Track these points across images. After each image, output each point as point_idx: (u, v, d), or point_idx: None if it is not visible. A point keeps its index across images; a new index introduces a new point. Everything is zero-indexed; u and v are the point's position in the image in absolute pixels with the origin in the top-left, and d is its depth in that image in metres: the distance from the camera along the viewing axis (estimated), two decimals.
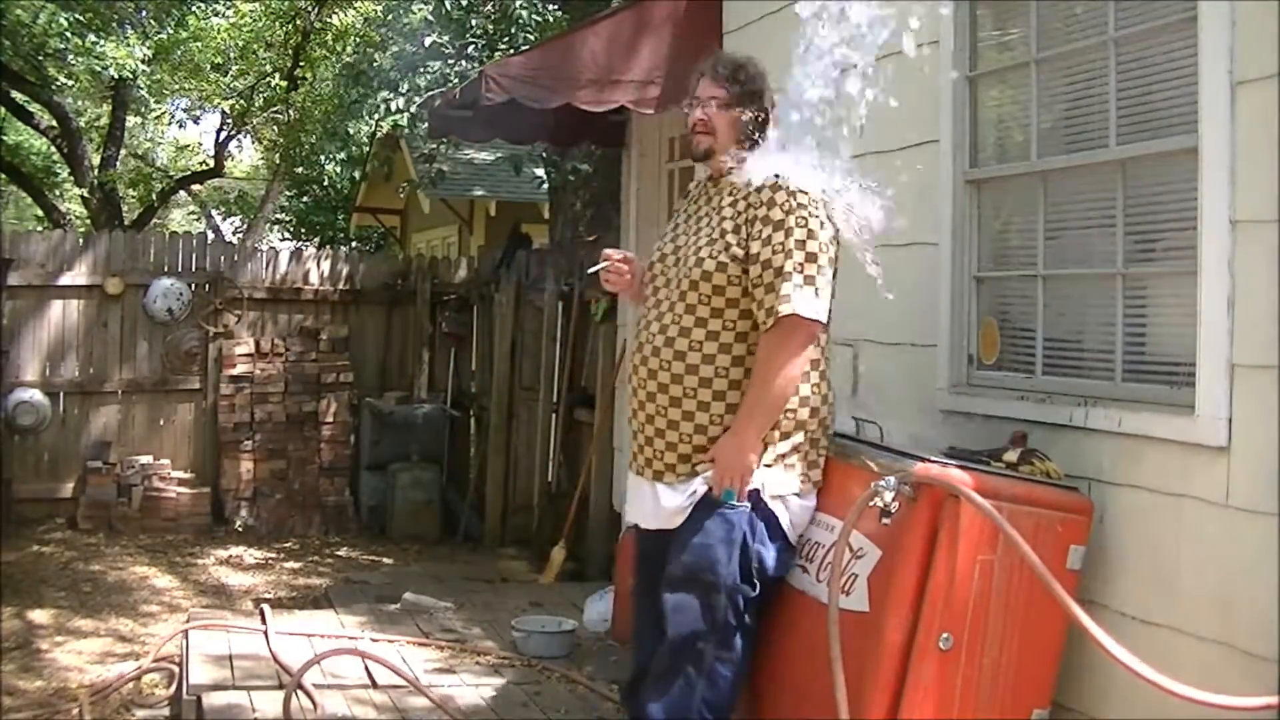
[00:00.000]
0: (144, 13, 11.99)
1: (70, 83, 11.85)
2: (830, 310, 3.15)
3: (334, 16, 12.97)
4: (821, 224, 3.09)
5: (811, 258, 3.04)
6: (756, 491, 3.08)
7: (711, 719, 3.10)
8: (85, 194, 13.20)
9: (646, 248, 3.83)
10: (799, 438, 3.14)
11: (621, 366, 6.74)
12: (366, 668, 4.53)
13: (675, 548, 3.13)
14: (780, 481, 3.12)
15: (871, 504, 2.95)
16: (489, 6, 9.22)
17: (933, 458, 3.07)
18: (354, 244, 17.01)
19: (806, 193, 3.10)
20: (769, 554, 3.11)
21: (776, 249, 3.03)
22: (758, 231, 3.07)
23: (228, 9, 13.22)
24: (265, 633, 4.94)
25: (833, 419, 3.28)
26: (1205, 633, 2.83)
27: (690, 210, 3.35)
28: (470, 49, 9.30)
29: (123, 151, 14.89)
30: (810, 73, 4.73)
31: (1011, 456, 3.16)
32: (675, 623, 3.09)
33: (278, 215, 17.29)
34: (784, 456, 3.12)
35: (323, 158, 13.71)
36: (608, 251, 3.41)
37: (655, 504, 3.20)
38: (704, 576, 3.06)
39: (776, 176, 3.10)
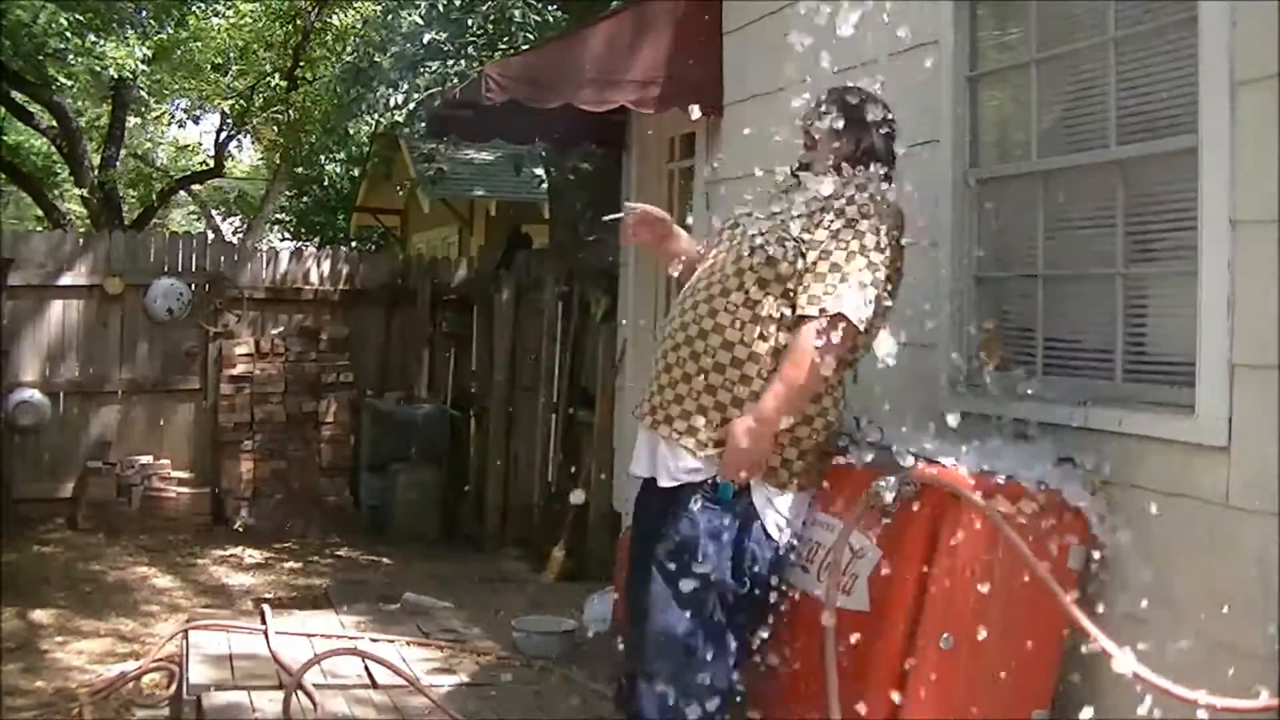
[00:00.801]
0: (144, 13, 11.98)
1: (70, 83, 11.84)
2: (875, 326, 3.14)
3: (334, 16, 12.97)
4: (893, 240, 3.10)
5: (873, 266, 3.02)
6: (752, 487, 3.08)
7: (705, 717, 3.08)
8: (85, 194, 13.20)
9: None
10: (804, 431, 3.13)
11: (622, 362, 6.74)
12: (366, 668, 4.53)
13: (664, 534, 3.11)
14: (780, 479, 3.12)
15: (872, 504, 2.95)
16: (487, 6, 9.21)
17: (932, 458, 3.07)
18: (354, 244, 17.00)
19: (890, 204, 3.13)
20: (763, 551, 3.10)
21: (841, 244, 3.02)
22: (828, 221, 3.06)
23: (228, 9, 13.22)
24: (265, 633, 4.94)
25: (839, 422, 3.28)
26: (1205, 633, 2.83)
27: (773, 195, 3.35)
28: (469, 48, 9.30)
29: (123, 151, 14.89)
30: (810, 73, 4.74)
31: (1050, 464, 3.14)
32: (662, 617, 3.07)
33: (278, 215, 17.29)
34: (783, 449, 3.11)
35: (322, 158, 13.71)
36: (640, 207, 3.47)
37: (651, 455, 3.21)
38: (692, 566, 3.04)
39: (866, 181, 3.15)
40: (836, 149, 3.24)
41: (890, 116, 3.34)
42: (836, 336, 2.98)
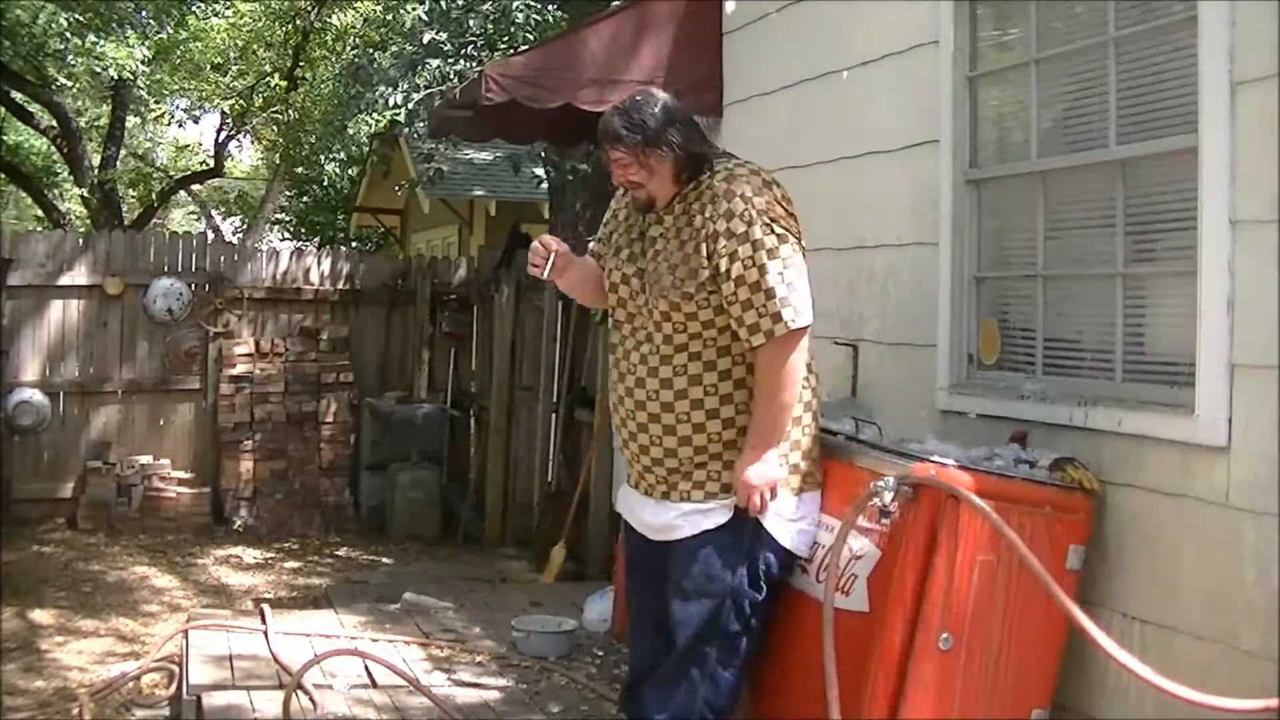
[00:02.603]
0: (144, 13, 11.98)
1: (70, 83, 11.84)
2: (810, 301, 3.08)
3: (334, 16, 12.96)
4: (782, 222, 3.02)
5: (785, 262, 2.97)
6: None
7: (713, 719, 3.10)
8: (85, 194, 13.20)
9: None
10: (798, 434, 3.14)
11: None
12: (366, 668, 4.53)
13: (681, 556, 3.10)
14: (786, 483, 3.12)
15: (871, 504, 2.95)
16: (487, 6, 9.21)
17: (932, 458, 3.07)
18: (354, 244, 17.00)
19: (760, 194, 3.02)
20: (775, 557, 3.12)
21: (747, 264, 2.95)
22: (723, 248, 2.97)
23: (227, 9, 13.22)
24: (265, 633, 4.94)
25: (820, 407, 3.30)
26: (1205, 633, 2.83)
27: (640, 228, 3.19)
28: (469, 48, 9.29)
29: (123, 151, 14.89)
30: (810, 72, 4.75)
31: (1045, 464, 3.14)
32: (684, 633, 3.09)
33: (278, 215, 17.28)
34: (786, 456, 3.11)
35: (322, 158, 13.71)
36: (543, 239, 3.26)
37: (657, 516, 3.17)
38: (711, 586, 3.06)
39: (727, 184, 3.03)
40: (675, 172, 3.07)
41: (674, 102, 3.15)
42: (792, 349, 2.99)
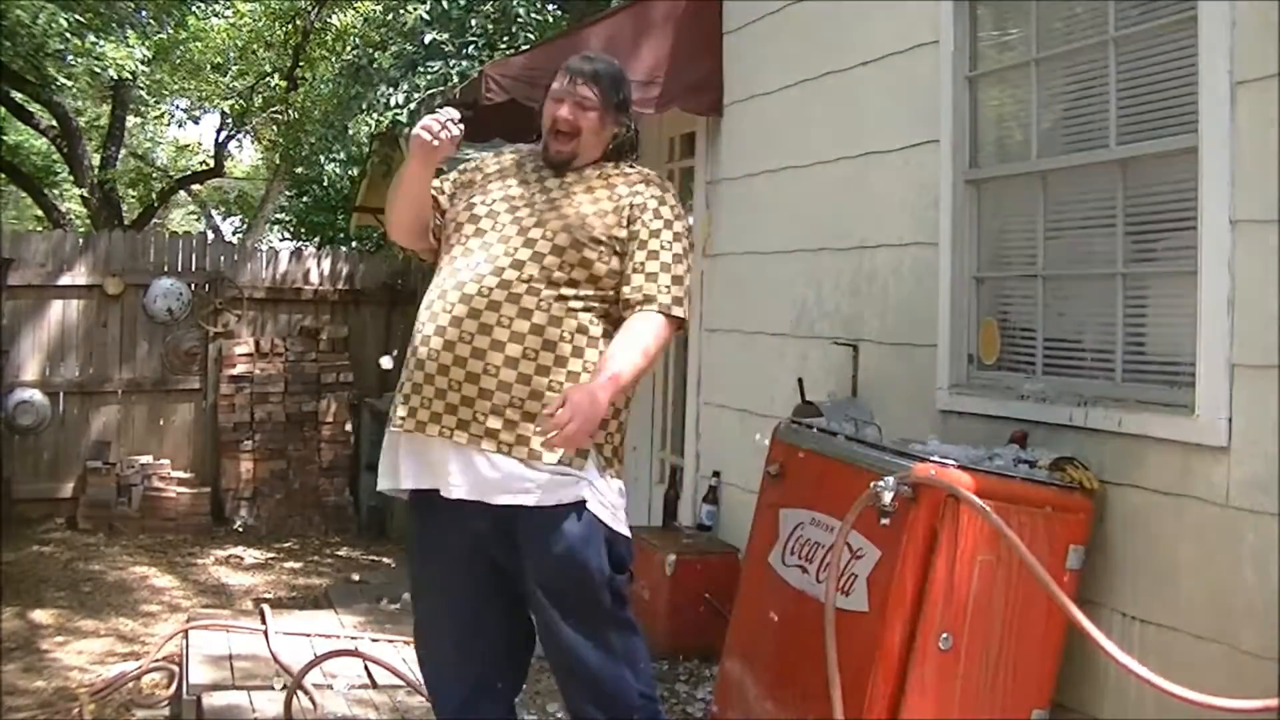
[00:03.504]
0: (144, 13, 11.96)
1: (70, 83, 11.82)
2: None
3: (334, 16, 12.95)
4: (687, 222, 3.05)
5: (688, 269, 2.96)
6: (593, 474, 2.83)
7: (648, 692, 2.93)
8: (85, 194, 13.19)
9: None
10: (625, 417, 2.95)
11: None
12: (366, 668, 4.53)
13: (540, 562, 2.80)
14: (611, 465, 2.91)
15: (870, 504, 2.95)
16: (488, 6, 9.21)
17: (932, 458, 3.07)
18: (354, 244, 16.98)
19: (668, 186, 3.07)
20: (626, 530, 2.90)
21: (665, 245, 2.89)
22: (649, 219, 2.90)
23: (227, 9, 13.21)
24: (265, 633, 4.94)
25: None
26: (1205, 633, 2.83)
27: (527, 178, 3.00)
28: (470, 48, 9.29)
29: (123, 151, 14.87)
30: (810, 72, 4.76)
31: (1045, 464, 3.14)
32: (586, 641, 2.82)
33: (278, 215, 17.25)
34: (613, 436, 2.90)
35: (322, 158, 13.69)
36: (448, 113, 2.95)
37: (472, 470, 2.79)
38: (585, 586, 2.79)
39: (659, 183, 3.01)
40: (614, 137, 3.02)
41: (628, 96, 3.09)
42: (670, 332, 2.91)
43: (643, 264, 2.88)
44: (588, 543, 2.78)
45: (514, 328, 2.79)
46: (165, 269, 9.21)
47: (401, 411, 2.85)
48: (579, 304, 2.85)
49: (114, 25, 10.89)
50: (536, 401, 2.77)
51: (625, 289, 2.87)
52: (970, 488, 2.92)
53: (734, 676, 3.63)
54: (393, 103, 9.39)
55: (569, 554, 2.77)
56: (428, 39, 9.37)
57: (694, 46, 5.43)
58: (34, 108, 12.93)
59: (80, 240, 9.35)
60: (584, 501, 2.78)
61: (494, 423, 2.77)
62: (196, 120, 16.40)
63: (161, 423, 9.20)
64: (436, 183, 3.07)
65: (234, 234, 19.34)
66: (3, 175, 14.48)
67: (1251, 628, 2.70)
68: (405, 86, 9.33)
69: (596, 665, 2.83)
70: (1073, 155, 3.42)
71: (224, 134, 16.03)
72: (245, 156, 20.88)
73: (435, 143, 2.89)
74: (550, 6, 9.45)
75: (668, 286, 2.87)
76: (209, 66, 13.82)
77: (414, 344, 2.87)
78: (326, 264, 9.82)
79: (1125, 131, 3.21)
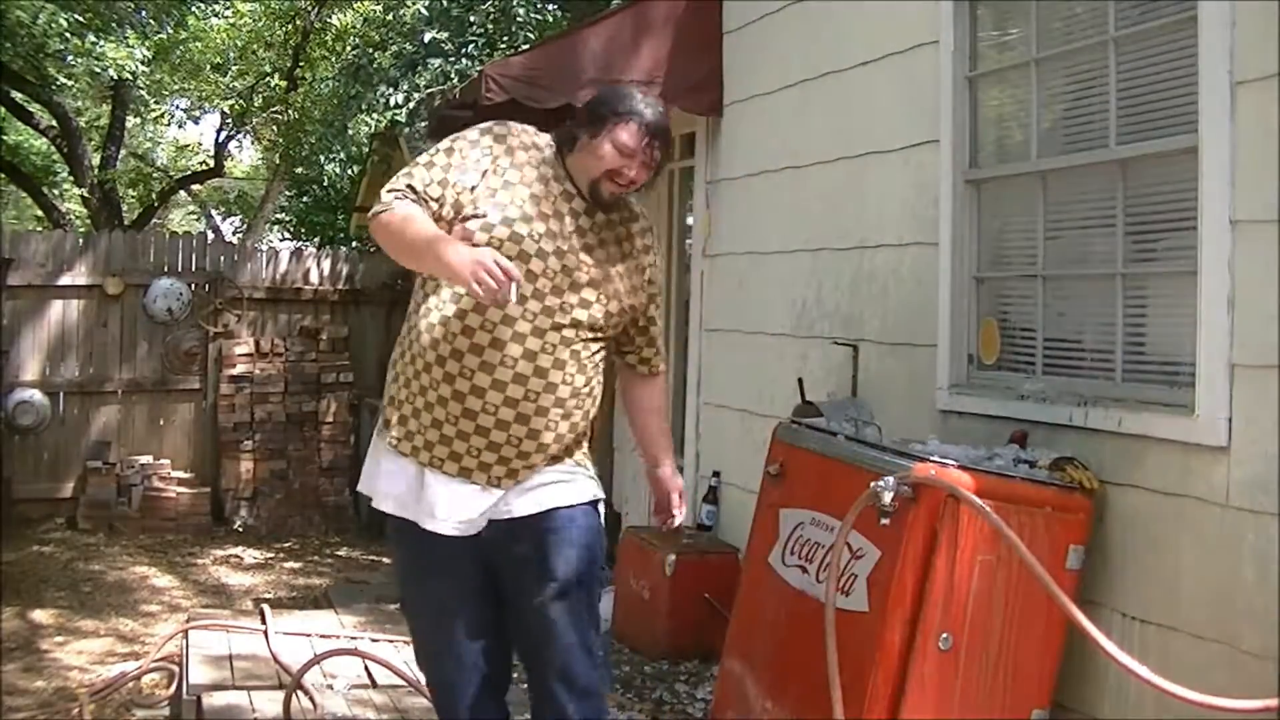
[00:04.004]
0: (144, 13, 11.96)
1: (70, 83, 11.82)
2: None
3: (334, 16, 12.94)
4: None
5: None
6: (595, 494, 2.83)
7: (604, 660, 3.02)
8: (85, 194, 13.19)
9: None
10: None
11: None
12: (366, 668, 4.53)
13: (558, 556, 2.70)
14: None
15: (870, 504, 2.95)
16: (488, 5, 9.21)
17: (932, 458, 3.07)
18: (354, 244, 16.98)
19: None
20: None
21: (653, 296, 2.90)
22: (658, 282, 2.92)
23: (227, 9, 13.21)
24: (265, 633, 4.94)
25: None
26: (1205, 633, 2.83)
27: (564, 207, 2.71)
28: (470, 47, 9.29)
29: (123, 151, 14.87)
30: (809, 72, 4.75)
31: (1045, 464, 3.14)
32: (572, 631, 2.73)
33: (278, 215, 17.26)
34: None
35: (322, 158, 13.69)
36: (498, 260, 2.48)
37: (496, 500, 2.69)
38: (588, 577, 2.75)
39: (641, 212, 2.88)
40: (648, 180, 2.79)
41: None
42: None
43: (654, 328, 2.93)
44: (600, 534, 2.81)
45: (539, 403, 2.65)
46: (165, 269, 9.21)
47: (441, 452, 2.67)
48: (593, 360, 2.75)
49: (114, 25, 10.89)
50: (559, 445, 2.72)
51: (646, 350, 2.93)
52: (970, 488, 2.92)
53: (734, 676, 3.63)
54: (393, 102, 9.40)
55: (587, 546, 2.75)
56: (427, 38, 9.38)
57: (694, 46, 5.43)
58: (34, 108, 12.93)
59: (80, 240, 9.35)
60: (599, 499, 2.83)
61: (533, 461, 2.70)
62: (196, 120, 16.40)
63: (161, 423, 9.20)
64: (427, 177, 2.69)
65: (234, 234, 19.35)
66: (3, 175, 14.48)
67: (1251, 627, 2.70)
68: (405, 86, 9.34)
69: (575, 644, 2.75)
70: (1073, 155, 3.42)
71: (224, 134, 16.04)
72: (245, 156, 20.88)
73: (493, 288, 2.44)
74: (550, 6, 9.45)
75: (659, 341, 2.97)
76: (209, 66, 13.82)
77: (460, 383, 2.63)
78: (326, 264, 9.81)
79: (1125, 131, 3.21)
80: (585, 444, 2.83)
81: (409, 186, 2.66)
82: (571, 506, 2.73)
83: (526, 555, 2.71)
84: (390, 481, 2.76)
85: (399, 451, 2.73)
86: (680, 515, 2.95)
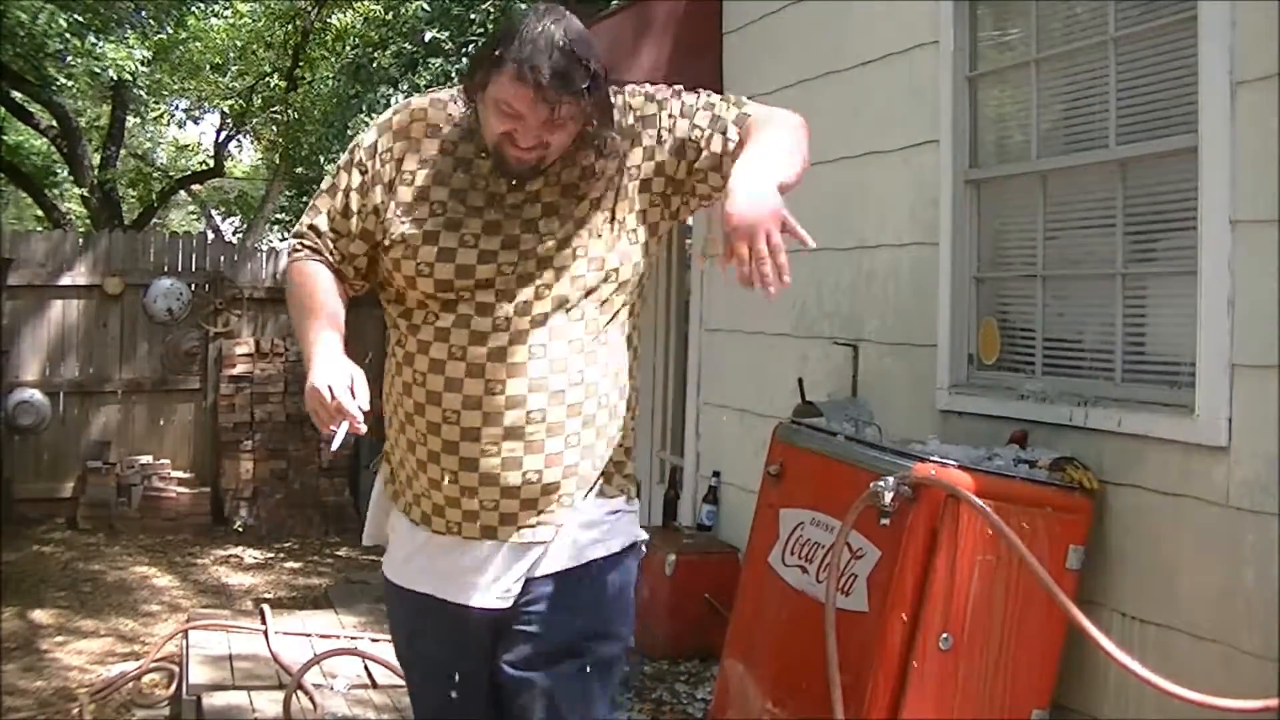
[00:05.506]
0: (143, 13, 11.96)
1: (70, 83, 11.82)
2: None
3: (334, 16, 12.94)
4: None
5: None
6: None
7: None
8: (85, 194, 13.19)
9: None
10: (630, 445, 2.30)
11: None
12: (366, 668, 4.53)
13: (579, 616, 2.17)
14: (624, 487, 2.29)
15: (870, 504, 2.95)
16: (488, 4, 9.21)
17: (932, 458, 3.07)
18: None
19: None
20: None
21: (688, 106, 2.17)
22: (652, 133, 2.15)
23: (227, 9, 13.22)
24: (265, 633, 4.94)
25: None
26: (1205, 633, 2.83)
27: (485, 189, 2.11)
28: (470, 47, 9.29)
29: (123, 151, 14.87)
30: (810, 72, 4.75)
31: (1045, 464, 3.14)
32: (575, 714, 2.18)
33: (278, 215, 17.25)
34: (624, 464, 2.29)
35: (322, 158, 13.70)
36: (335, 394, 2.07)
37: (520, 564, 2.15)
38: (605, 649, 2.22)
39: (613, 89, 2.11)
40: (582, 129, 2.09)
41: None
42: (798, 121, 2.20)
43: (696, 125, 2.14)
44: (630, 587, 2.29)
45: (568, 400, 2.14)
46: (165, 269, 9.21)
47: (491, 520, 2.13)
48: (599, 320, 2.18)
49: (114, 25, 10.89)
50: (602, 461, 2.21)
51: (714, 138, 2.13)
52: (970, 488, 2.92)
53: (734, 676, 3.63)
54: (392, 102, 9.40)
55: (620, 600, 2.25)
56: (428, 37, 9.38)
57: (694, 46, 5.43)
58: (34, 108, 12.93)
59: (80, 240, 9.35)
60: (640, 541, 2.30)
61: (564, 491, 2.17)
62: (197, 120, 16.41)
63: (161, 423, 9.20)
64: (333, 210, 2.19)
65: (234, 234, 19.33)
66: (3, 175, 14.48)
67: (1251, 628, 2.70)
68: (405, 85, 9.34)
69: None
70: (1072, 155, 3.42)
71: (224, 134, 16.04)
72: (245, 156, 20.87)
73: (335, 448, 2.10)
74: None
75: (721, 104, 2.17)
76: (209, 66, 13.82)
77: (448, 430, 2.11)
78: None
79: (1125, 131, 3.21)
80: (629, 459, 2.28)
81: (312, 229, 2.19)
82: (605, 558, 2.20)
83: (530, 615, 2.16)
84: (435, 564, 2.19)
85: (410, 519, 2.22)
86: (752, 264, 1.85)
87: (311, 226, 2.20)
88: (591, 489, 2.18)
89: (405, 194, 2.13)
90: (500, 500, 2.11)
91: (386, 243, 2.13)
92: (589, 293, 2.12)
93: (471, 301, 2.08)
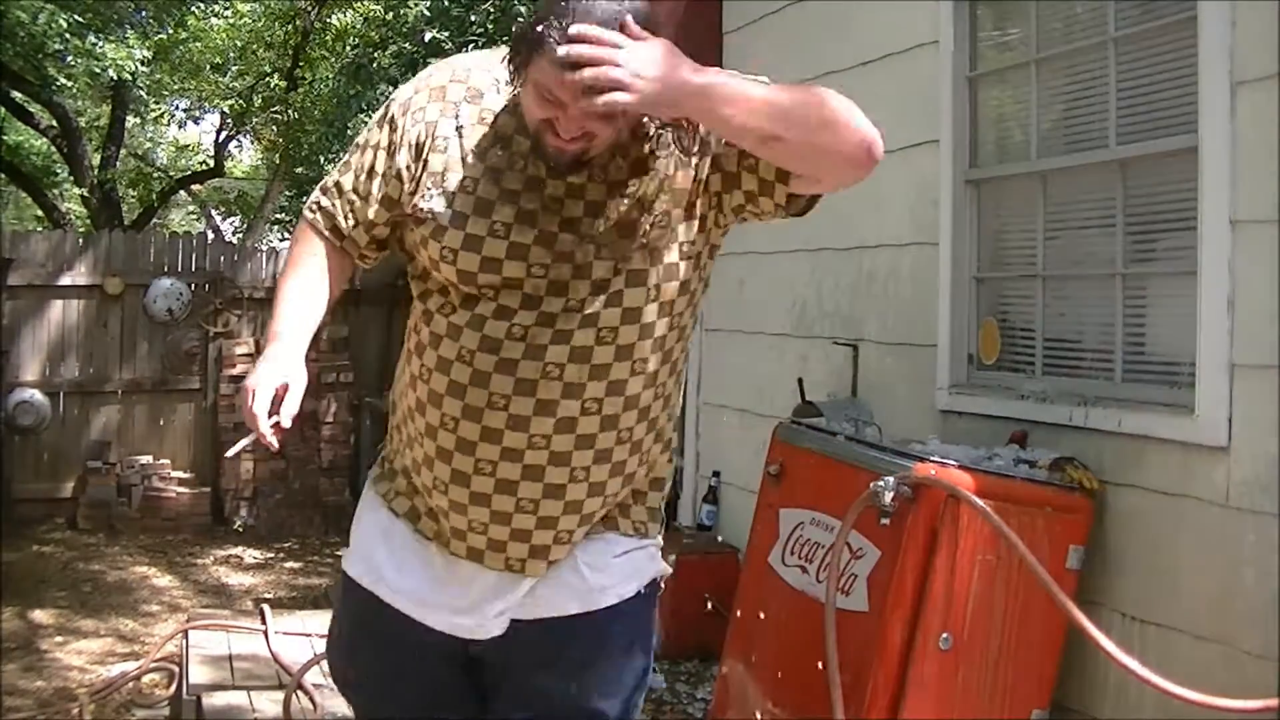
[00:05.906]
0: (144, 13, 11.96)
1: (70, 83, 11.82)
2: None
3: (334, 16, 12.95)
4: None
5: None
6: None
7: None
8: (85, 194, 13.19)
9: None
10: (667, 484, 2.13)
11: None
12: None
13: (589, 669, 1.95)
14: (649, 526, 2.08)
15: (870, 504, 2.95)
16: (489, 4, 9.21)
17: (932, 458, 3.07)
18: None
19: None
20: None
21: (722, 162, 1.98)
22: (718, 163, 1.95)
23: (227, 9, 13.22)
24: (265, 633, 4.94)
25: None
26: (1205, 633, 2.83)
27: (527, 174, 1.83)
28: (470, 46, 9.29)
29: (123, 151, 14.87)
30: (810, 72, 4.74)
31: (1045, 464, 3.14)
32: None
33: (278, 215, 17.25)
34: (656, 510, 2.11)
35: (322, 158, 13.70)
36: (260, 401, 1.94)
37: (548, 590, 1.93)
38: (638, 679, 2.02)
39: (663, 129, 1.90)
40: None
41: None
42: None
43: (750, 166, 1.97)
44: (651, 630, 2.06)
45: (621, 418, 1.93)
46: (165, 269, 9.21)
47: (478, 543, 1.91)
48: (675, 334, 1.97)
49: (114, 25, 10.89)
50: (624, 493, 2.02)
51: (775, 185, 1.97)
52: (970, 488, 2.92)
53: (734, 676, 3.63)
54: None
55: (629, 657, 2.00)
56: (428, 37, 9.37)
57: (694, 46, 5.39)
58: (34, 108, 12.93)
59: (80, 240, 9.35)
60: (661, 576, 2.09)
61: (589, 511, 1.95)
62: (197, 120, 16.41)
63: (161, 423, 9.19)
64: (362, 168, 1.96)
65: (234, 234, 19.33)
66: (3, 175, 14.48)
67: (1252, 628, 2.70)
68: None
69: None
70: (1072, 155, 3.42)
71: (224, 134, 16.04)
72: (245, 156, 20.88)
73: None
74: None
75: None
76: (209, 66, 13.83)
77: (479, 482, 1.87)
78: None
79: (1125, 131, 3.21)
80: (656, 489, 2.09)
81: (336, 187, 1.97)
82: (623, 601, 1.97)
83: (538, 662, 1.95)
84: (442, 587, 1.97)
85: (392, 509, 2.02)
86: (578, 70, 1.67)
87: (337, 184, 1.96)
88: (598, 526, 1.95)
89: (436, 162, 1.86)
90: (489, 525, 1.87)
91: (410, 212, 1.87)
92: (626, 313, 1.83)
93: (491, 302, 1.82)
